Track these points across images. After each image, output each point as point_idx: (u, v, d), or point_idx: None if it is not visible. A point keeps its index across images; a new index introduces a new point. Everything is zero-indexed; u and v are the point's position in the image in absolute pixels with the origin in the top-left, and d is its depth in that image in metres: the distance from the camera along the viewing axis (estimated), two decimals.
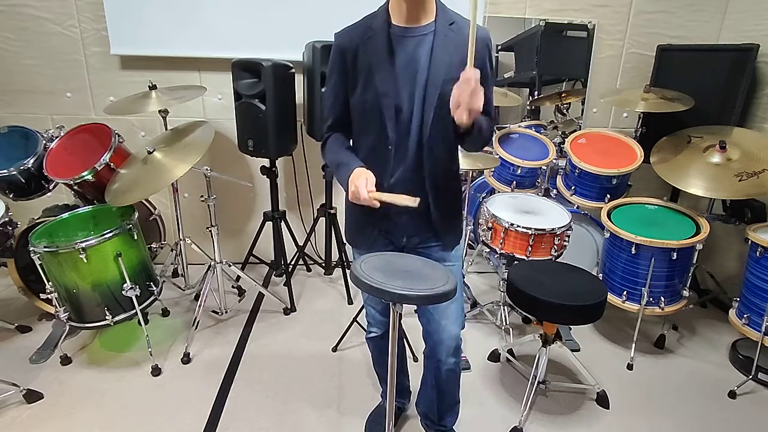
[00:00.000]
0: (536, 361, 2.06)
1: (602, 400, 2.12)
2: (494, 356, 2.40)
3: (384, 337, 1.76)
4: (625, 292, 2.42)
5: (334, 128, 1.54)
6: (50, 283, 2.10)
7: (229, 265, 2.63)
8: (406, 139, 1.42)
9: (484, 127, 1.37)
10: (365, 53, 1.38)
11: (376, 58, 1.37)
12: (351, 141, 1.55)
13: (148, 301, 2.28)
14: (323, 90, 2.47)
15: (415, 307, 2.69)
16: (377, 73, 1.37)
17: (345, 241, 1.71)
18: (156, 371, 2.23)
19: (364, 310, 2.42)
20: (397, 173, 1.45)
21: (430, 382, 1.74)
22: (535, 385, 2.04)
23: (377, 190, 1.34)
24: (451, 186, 1.54)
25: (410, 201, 1.25)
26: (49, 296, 2.12)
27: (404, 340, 1.95)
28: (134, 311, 2.18)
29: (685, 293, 2.42)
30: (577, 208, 2.76)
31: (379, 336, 1.78)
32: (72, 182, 2.37)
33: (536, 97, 3.12)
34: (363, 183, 1.32)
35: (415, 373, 2.22)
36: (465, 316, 1.73)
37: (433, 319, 1.60)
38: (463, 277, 1.69)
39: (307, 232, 3.17)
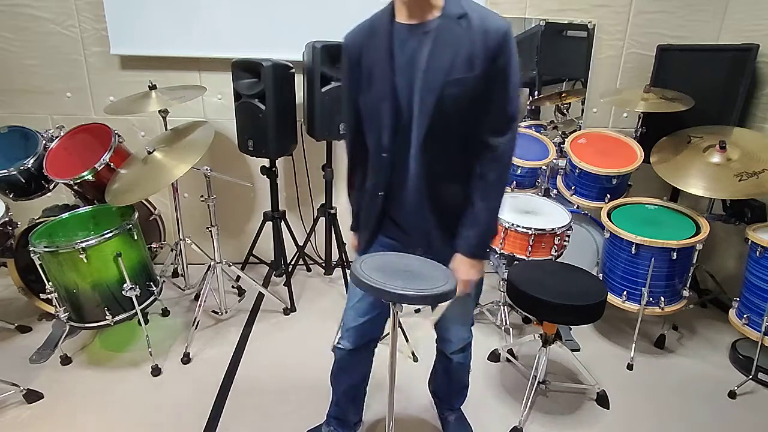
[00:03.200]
0: (536, 361, 2.06)
1: (602, 400, 2.12)
2: (494, 356, 2.40)
3: (352, 354, 1.62)
4: (625, 292, 2.42)
5: (351, 132, 1.47)
6: (50, 283, 2.10)
7: (229, 265, 2.63)
8: (405, 147, 1.31)
9: (490, 222, 1.35)
10: (368, 53, 1.30)
11: (376, 59, 1.28)
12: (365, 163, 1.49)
13: (148, 301, 2.28)
14: (323, 90, 2.50)
15: (415, 307, 2.70)
16: (376, 75, 1.29)
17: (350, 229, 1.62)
18: (156, 371, 2.23)
19: None
20: (394, 183, 1.37)
21: (441, 370, 1.81)
22: (535, 385, 2.04)
23: (375, 198, 1.42)
24: (461, 203, 1.37)
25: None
26: (49, 296, 2.12)
27: (370, 366, 1.76)
28: (134, 311, 2.18)
29: (685, 293, 2.42)
30: (577, 208, 2.76)
31: (346, 350, 1.63)
32: (72, 182, 2.37)
33: (536, 97, 3.11)
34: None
35: (418, 372, 2.23)
36: (474, 316, 1.71)
37: (442, 323, 1.61)
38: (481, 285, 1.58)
39: (307, 232, 3.17)
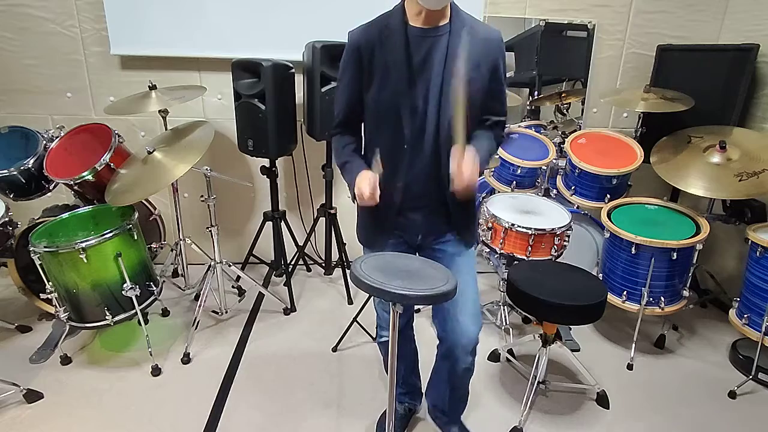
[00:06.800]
0: (536, 361, 2.06)
1: (602, 400, 2.12)
2: (494, 356, 2.40)
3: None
4: (625, 292, 2.42)
5: (343, 125, 1.55)
6: (50, 283, 2.10)
7: (229, 265, 2.63)
8: (421, 138, 1.43)
9: (491, 148, 1.53)
10: (382, 52, 1.40)
11: (392, 58, 1.39)
12: (360, 139, 1.56)
13: (148, 301, 2.28)
14: (323, 90, 2.50)
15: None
16: (394, 73, 1.39)
17: (359, 242, 1.68)
18: (156, 371, 2.23)
19: (364, 310, 2.44)
20: (412, 172, 1.47)
21: (444, 378, 1.76)
22: (535, 385, 2.04)
23: (391, 189, 1.47)
24: None
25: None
26: (49, 296, 2.12)
27: (414, 342, 1.90)
28: (134, 311, 2.18)
29: (685, 293, 2.42)
30: (577, 208, 2.76)
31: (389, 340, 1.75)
32: (72, 182, 2.37)
33: (536, 97, 3.11)
34: (366, 184, 1.40)
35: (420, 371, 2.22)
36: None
37: (451, 319, 1.60)
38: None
39: (307, 232, 3.17)
